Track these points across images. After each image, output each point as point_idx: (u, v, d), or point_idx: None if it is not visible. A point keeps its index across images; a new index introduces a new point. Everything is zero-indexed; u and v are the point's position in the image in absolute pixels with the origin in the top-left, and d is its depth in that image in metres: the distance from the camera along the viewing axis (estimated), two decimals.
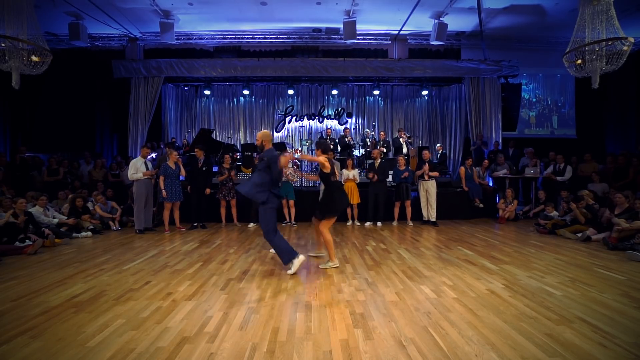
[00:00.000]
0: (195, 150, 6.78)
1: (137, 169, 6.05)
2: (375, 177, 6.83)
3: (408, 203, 6.98)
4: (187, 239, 5.56)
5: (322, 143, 4.15)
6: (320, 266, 3.95)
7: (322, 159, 3.90)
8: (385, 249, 4.82)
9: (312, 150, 9.91)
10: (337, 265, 3.94)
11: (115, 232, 6.37)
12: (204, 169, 6.63)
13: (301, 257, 3.69)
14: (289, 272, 3.64)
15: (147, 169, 6.16)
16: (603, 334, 2.27)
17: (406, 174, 6.85)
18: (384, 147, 8.44)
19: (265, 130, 4.14)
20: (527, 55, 10.34)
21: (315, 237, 4.66)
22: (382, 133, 8.99)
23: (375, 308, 2.73)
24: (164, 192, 6.11)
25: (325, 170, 3.91)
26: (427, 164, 6.92)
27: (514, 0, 8.25)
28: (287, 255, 3.66)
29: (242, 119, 11.04)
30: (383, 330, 2.34)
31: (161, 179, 6.14)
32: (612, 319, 2.50)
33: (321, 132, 10.54)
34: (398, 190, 6.98)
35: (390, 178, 7.32)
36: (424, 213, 7.02)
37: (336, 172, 4.14)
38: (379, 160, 6.99)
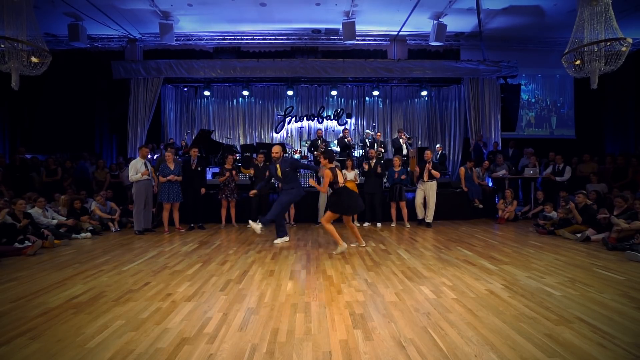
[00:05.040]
0: (191, 150, 6.78)
1: (136, 170, 6.01)
2: (367, 166, 6.91)
3: (403, 204, 6.90)
4: (187, 240, 5.56)
5: (328, 153, 4.80)
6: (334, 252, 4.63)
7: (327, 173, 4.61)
8: (384, 250, 4.82)
9: (311, 152, 9.91)
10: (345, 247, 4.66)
11: (115, 233, 6.36)
12: (198, 169, 6.62)
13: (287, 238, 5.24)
14: (276, 242, 5.21)
15: (148, 169, 6.13)
16: (602, 334, 2.27)
17: (403, 176, 6.82)
18: (381, 147, 8.45)
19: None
20: (526, 55, 10.36)
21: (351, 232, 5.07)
22: (378, 134, 9.00)
23: (374, 309, 2.74)
24: (158, 181, 6.28)
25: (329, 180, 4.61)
26: (428, 164, 6.82)
27: (513, 1, 8.27)
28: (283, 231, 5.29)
29: (241, 119, 11.05)
30: (383, 331, 2.34)
31: (160, 178, 6.14)
32: (611, 319, 2.50)
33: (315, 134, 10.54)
34: (392, 191, 6.96)
35: (385, 179, 7.29)
36: (418, 213, 6.94)
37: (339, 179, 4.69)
38: (374, 159, 7.00)
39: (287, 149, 9.13)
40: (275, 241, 5.35)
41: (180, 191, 6.34)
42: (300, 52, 10.37)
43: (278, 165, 5.20)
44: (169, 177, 6.12)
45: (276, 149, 5.29)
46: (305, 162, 7.05)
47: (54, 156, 8.18)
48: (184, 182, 6.49)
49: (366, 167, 6.92)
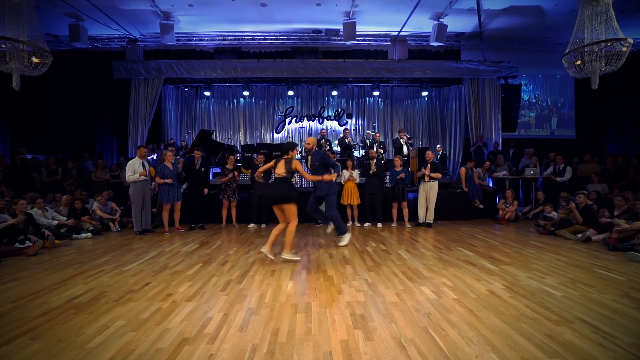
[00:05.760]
0: (195, 151, 6.77)
1: (134, 170, 5.98)
2: (374, 167, 6.82)
3: (405, 204, 6.88)
4: (187, 240, 5.56)
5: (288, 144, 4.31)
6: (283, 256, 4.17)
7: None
8: (385, 250, 4.82)
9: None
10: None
11: (115, 233, 6.36)
12: (202, 169, 6.61)
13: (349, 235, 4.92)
14: (341, 243, 4.86)
15: (146, 169, 6.11)
16: (603, 335, 2.27)
17: (402, 175, 6.80)
18: (381, 148, 8.45)
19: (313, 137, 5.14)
20: (526, 56, 10.36)
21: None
22: (377, 134, 8.99)
23: (375, 309, 2.73)
24: (155, 183, 6.22)
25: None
26: (429, 164, 6.77)
27: (514, 1, 8.28)
28: (342, 229, 4.92)
29: (242, 120, 11.07)
30: (383, 331, 2.34)
31: (157, 179, 6.13)
32: (612, 319, 2.50)
33: (315, 134, 10.57)
34: (394, 191, 6.95)
35: (386, 179, 7.28)
36: (420, 214, 6.89)
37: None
38: (375, 160, 6.99)
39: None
40: (340, 239, 5.06)
41: (180, 191, 6.32)
42: (300, 53, 10.38)
43: (309, 157, 4.96)
44: (166, 180, 6.11)
45: (309, 140, 5.00)
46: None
47: (55, 156, 8.20)
48: (187, 182, 6.47)
49: (374, 168, 6.80)
